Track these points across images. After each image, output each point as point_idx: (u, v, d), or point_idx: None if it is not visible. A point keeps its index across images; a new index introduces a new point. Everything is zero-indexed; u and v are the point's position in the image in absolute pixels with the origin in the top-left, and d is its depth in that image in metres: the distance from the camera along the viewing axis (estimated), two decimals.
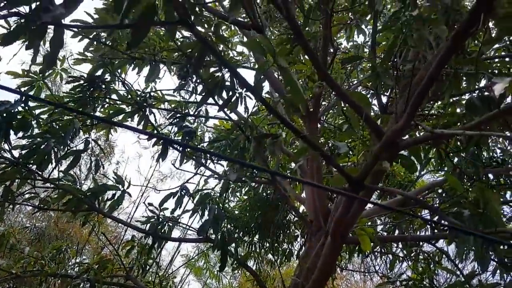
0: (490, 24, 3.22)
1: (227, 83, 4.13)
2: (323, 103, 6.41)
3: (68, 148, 4.58)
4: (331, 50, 5.24)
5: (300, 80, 5.63)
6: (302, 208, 6.58)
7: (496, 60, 4.34)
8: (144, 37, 2.81)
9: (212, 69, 4.28)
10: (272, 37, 6.25)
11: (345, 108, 5.15)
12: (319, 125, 5.55)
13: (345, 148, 2.85)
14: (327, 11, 4.43)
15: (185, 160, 5.23)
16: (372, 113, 4.99)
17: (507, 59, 4.29)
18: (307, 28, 4.90)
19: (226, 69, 3.90)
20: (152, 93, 5.19)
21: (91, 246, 11.04)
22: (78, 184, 5.05)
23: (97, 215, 5.39)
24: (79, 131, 4.74)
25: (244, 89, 4.11)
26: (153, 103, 5.19)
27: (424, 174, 6.57)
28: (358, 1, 4.29)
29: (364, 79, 5.64)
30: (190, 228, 5.39)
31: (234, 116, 5.48)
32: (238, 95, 4.28)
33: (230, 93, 4.20)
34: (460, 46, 3.02)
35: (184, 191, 4.84)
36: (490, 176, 4.97)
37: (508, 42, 4.37)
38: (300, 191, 6.72)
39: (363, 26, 5.57)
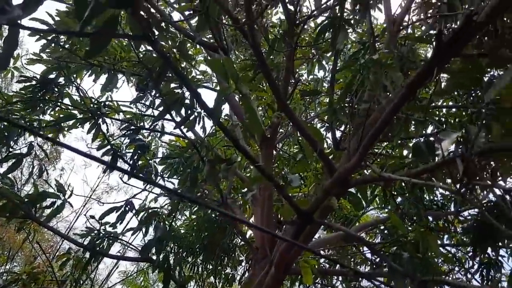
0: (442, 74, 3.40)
1: (187, 101, 4.09)
2: (281, 130, 6.49)
3: (10, 150, 4.34)
4: (292, 81, 5.35)
5: (260, 107, 5.69)
6: (250, 233, 6.54)
7: (444, 109, 4.59)
8: (104, 48, 2.72)
9: (172, 85, 4.23)
10: (237, 61, 6.31)
11: (300, 139, 5.24)
12: (274, 152, 5.59)
13: (298, 182, 2.88)
14: (291, 44, 4.55)
15: None
16: (326, 146, 5.12)
17: (453, 109, 4.55)
18: (271, 57, 4.99)
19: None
20: (107, 102, 5.04)
21: (24, 253, 10.42)
22: (16, 188, 4.75)
23: (32, 222, 5.08)
24: (25, 133, 4.51)
25: (203, 110, 4.08)
26: (107, 112, 5.03)
27: (369, 210, 6.76)
28: (321, 38, 4.43)
29: (321, 112, 5.78)
30: (131, 246, 5.20)
31: (190, 135, 5.42)
32: (197, 114, 4.24)
33: (189, 111, 4.16)
34: (413, 94, 3.16)
35: (128, 206, 4.68)
36: (430, 218, 5.18)
37: (456, 93, 4.64)
38: (249, 215, 6.68)
39: (324, 62, 5.75)
